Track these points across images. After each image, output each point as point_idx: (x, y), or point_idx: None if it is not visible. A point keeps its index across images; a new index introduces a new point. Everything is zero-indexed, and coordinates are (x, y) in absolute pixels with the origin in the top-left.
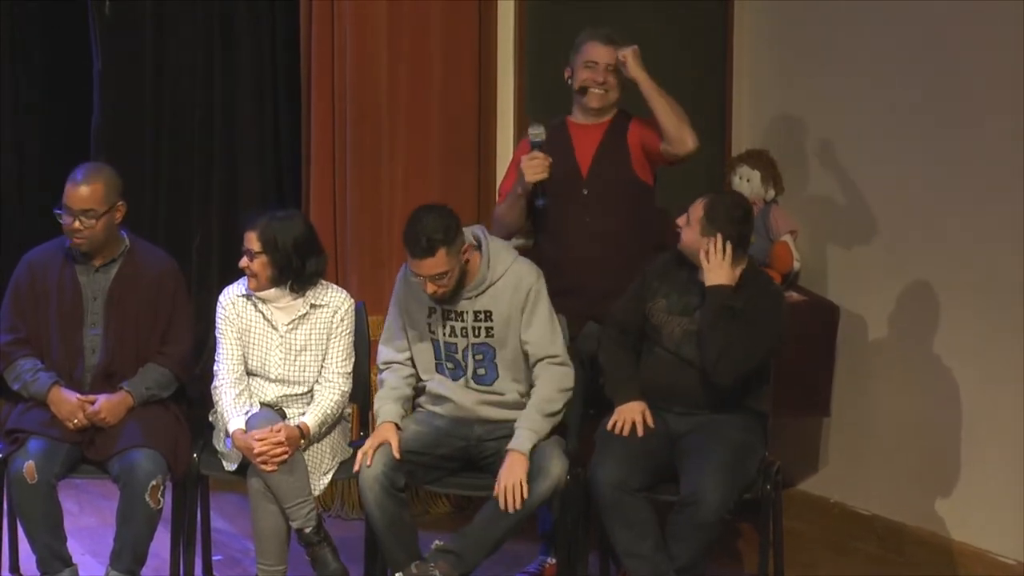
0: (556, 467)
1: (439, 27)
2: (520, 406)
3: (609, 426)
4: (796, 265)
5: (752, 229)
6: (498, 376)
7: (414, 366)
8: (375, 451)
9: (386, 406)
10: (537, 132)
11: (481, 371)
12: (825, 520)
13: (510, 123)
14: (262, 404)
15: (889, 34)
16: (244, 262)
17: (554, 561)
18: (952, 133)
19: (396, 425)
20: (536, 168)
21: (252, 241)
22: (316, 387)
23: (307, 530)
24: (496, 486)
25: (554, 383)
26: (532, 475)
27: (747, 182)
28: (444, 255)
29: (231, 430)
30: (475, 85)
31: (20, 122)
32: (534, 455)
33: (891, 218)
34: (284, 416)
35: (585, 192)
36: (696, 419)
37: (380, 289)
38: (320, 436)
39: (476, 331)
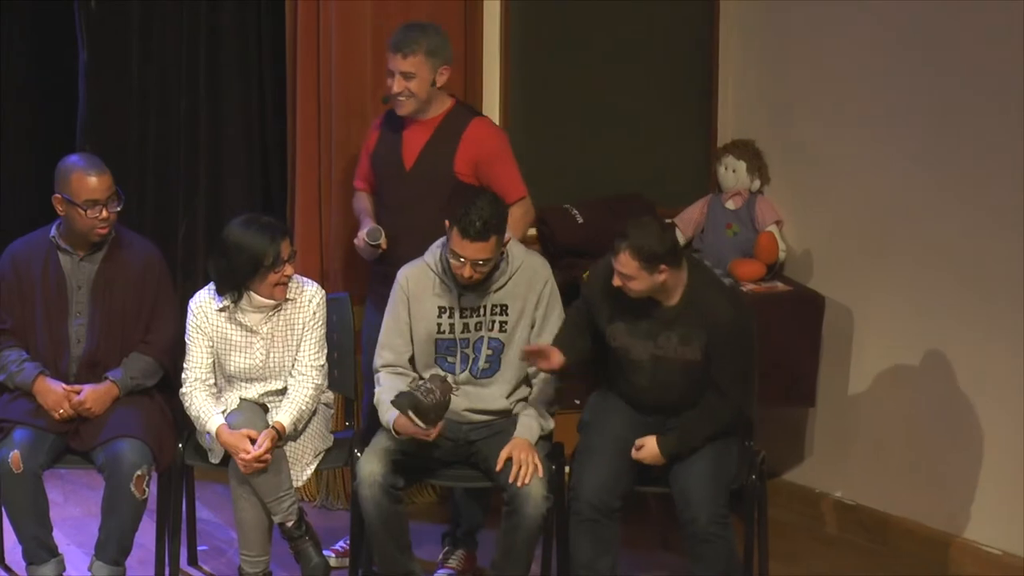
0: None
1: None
2: (506, 413)
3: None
4: (781, 255)
5: (669, 231)
6: (499, 370)
7: (414, 368)
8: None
9: (391, 412)
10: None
11: (486, 365)
12: (810, 510)
13: (496, 122)
14: (243, 400)
15: (875, 23)
16: (289, 271)
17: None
18: (939, 123)
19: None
20: None
21: (289, 245)
22: (289, 381)
23: (289, 524)
24: (501, 458)
25: (557, 380)
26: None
27: (732, 172)
28: (494, 242)
29: (213, 429)
30: (461, 84)
31: (3, 112)
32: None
33: (877, 208)
34: (267, 410)
35: (407, 187)
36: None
37: (364, 281)
38: (297, 433)
39: (491, 325)
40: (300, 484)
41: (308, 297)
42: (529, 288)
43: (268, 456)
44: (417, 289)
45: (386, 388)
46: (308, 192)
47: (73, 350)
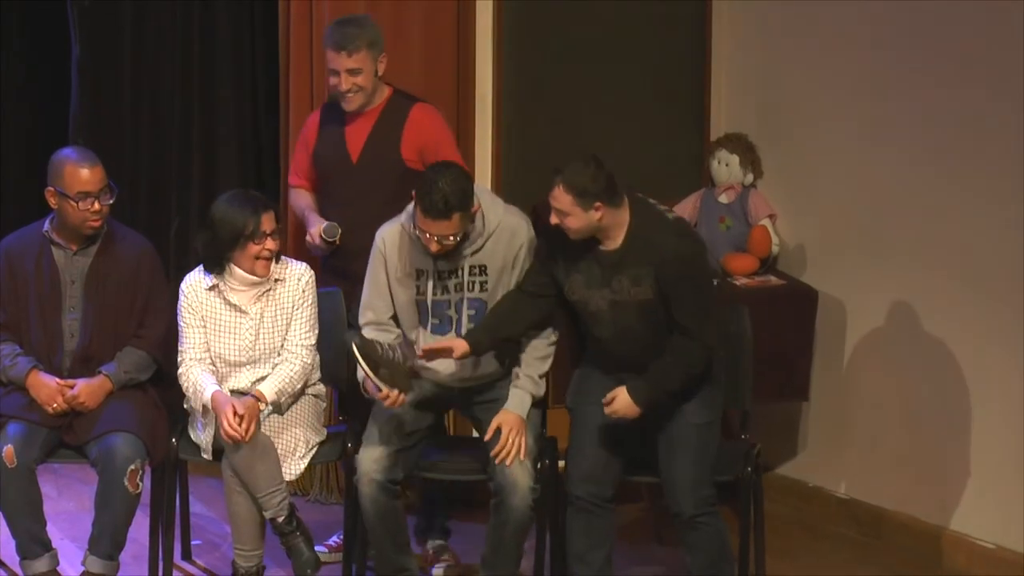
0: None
1: (418, 27)
2: (499, 376)
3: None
4: (775, 249)
5: (605, 169)
6: None
7: (398, 324)
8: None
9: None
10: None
11: (470, 325)
12: (803, 504)
13: (488, 122)
14: (233, 392)
15: (869, 18)
16: (271, 245)
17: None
18: (934, 117)
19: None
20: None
21: (273, 219)
22: (278, 359)
23: (280, 519)
24: (491, 428)
25: (545, 337)
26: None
27: (726, 166)
28: (458, 219)
29: (208, 396)
30: (454, 84)
31: (3, 112)
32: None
33: (871, 201)
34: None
35: (355, 179)
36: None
37: None
38: (283, 407)
39: (471, 285)
40: (293, 478)
41: (296, 276)
42: (508, 248)
43: (250, 422)
44: (394, 251)
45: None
46: None
47: (66, 344)
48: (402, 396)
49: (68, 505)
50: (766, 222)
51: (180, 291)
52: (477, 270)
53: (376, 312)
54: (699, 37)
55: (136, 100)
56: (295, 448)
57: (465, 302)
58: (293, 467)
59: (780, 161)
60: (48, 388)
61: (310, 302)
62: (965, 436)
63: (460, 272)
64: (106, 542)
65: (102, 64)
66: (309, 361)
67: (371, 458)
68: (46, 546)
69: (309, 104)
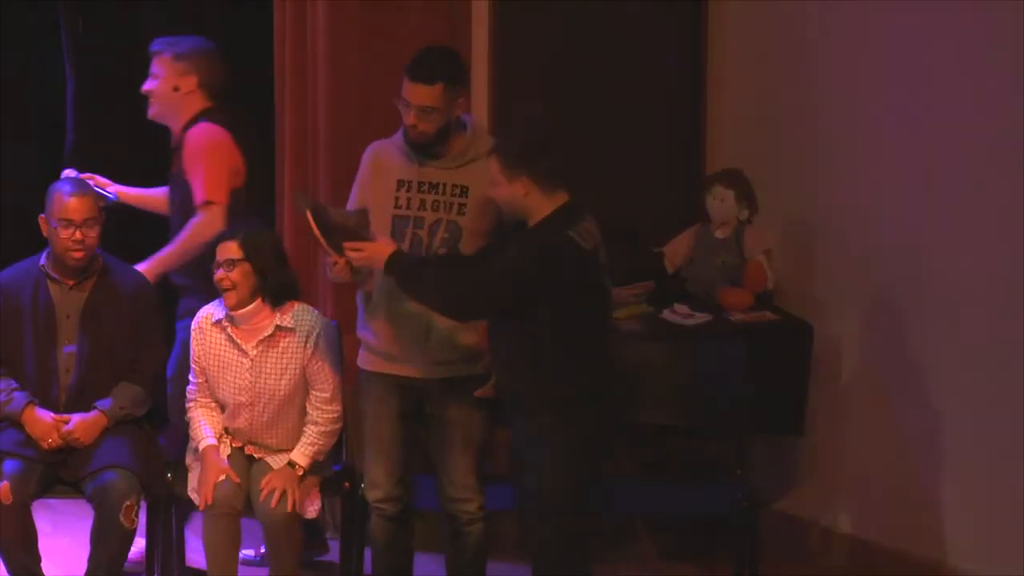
0: None
1: (413, 31)
2: (471, 354)
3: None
4: (770, 284)
5: (555, 157)
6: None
7: None
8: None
9: None
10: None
11: (443, 250)
12: (798, 539)
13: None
14: (229, 430)
15: (867, 47)
16: (221, 275)
17: None
18: (929, 149)
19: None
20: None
21: (232, 250)
22: (306, 424)
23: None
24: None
25: None
26: None
27: (721, 201)
28: (441, 90)
29: (203, 447)
30: None
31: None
32: None
33: (867, 237)
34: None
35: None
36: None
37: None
38: (319, 465)
39: (449, 206)
40: (315, 515)
41: (307, 330)
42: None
43: (291, 499)
44: (380, 161)
45: None
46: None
47: (62, 379)
48: (344, 263)
49: (63, 541)
50: (761, 257)
51: (193, 324)
52: (459, 190)
53: None
54: (696, 69)
55: (132, 132)
56: (312, 486)
57: (443, 224)
58: (317, 503)
59: (777, 196)
60: (43, 424)
61: (323, 352)
62: (961, 470)
63: (442, 188)
64: None
65: (97, 97)
66: (339, 416)
67: (379, 487)
68: None
69: (304, 119)
